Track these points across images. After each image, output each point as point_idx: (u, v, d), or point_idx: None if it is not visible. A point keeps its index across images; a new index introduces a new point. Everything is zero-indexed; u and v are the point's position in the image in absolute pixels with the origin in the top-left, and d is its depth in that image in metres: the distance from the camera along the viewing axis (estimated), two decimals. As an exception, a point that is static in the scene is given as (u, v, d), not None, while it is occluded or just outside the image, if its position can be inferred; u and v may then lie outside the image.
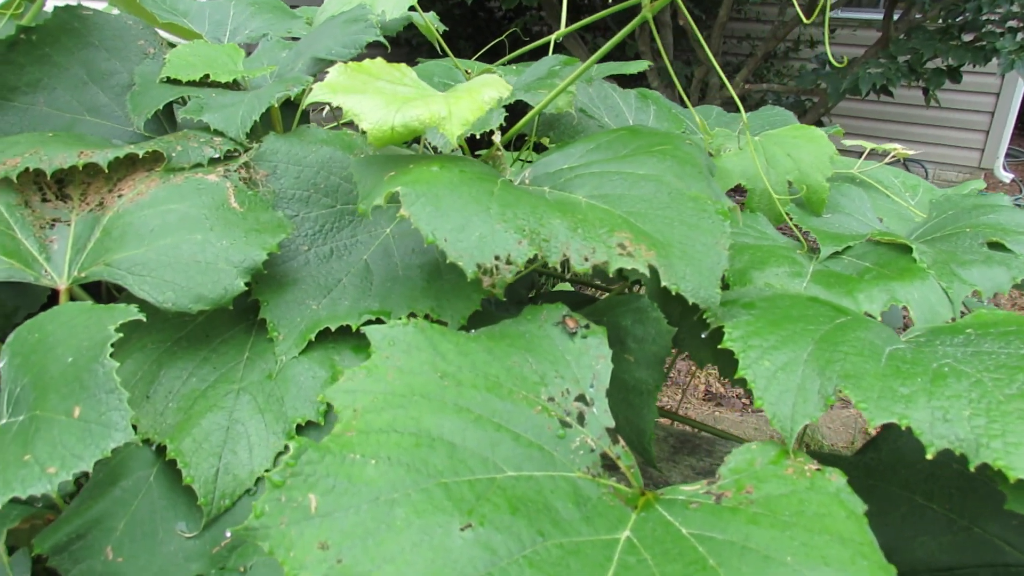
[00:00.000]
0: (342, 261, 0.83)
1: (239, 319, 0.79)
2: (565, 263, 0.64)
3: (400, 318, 0.76)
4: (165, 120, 0.99)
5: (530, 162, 1.05)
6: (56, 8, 0.96)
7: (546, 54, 1.18)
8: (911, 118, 5.30)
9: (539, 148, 1.13)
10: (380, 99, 0.72)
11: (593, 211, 0.71)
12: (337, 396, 0.55)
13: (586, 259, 0.64)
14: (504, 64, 1.18)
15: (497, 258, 0.63)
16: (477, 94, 0.73)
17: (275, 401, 0.71)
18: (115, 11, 1.10)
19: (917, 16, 4.14)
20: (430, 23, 1.26)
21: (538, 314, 0.68)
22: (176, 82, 0.96)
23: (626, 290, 1.17)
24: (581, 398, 0.62)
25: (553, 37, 1.13)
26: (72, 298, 0.74)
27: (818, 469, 0.57)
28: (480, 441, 0.54)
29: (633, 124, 1.08)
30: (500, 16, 5.75)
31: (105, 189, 0.80)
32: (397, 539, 0.47)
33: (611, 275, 0.64)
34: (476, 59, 1.31)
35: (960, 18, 3.96)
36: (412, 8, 1.16)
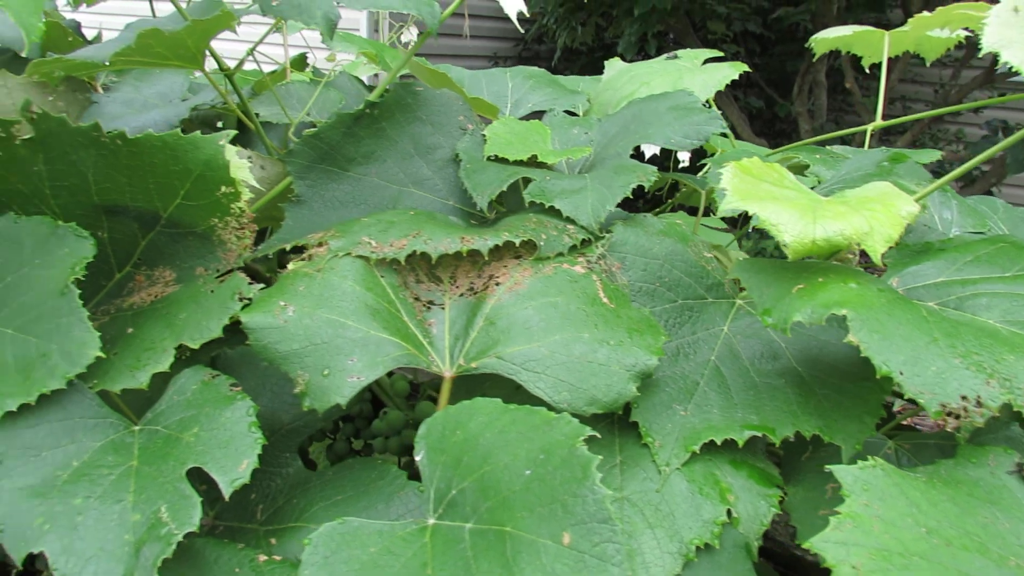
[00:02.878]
0: (690, 361, 0.80)
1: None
2: (1033, 409, 0.58)
3: (787, 436, 0.72)
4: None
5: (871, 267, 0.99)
6: (395, 83, 1.00)
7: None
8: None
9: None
10: (793, 209, 0.69)
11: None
12: (828, 548, 0.51)
13: (1056, 406, 0.58)
14: (804, 149, 1.13)
15: (964, 398, 0.58)
16: (893, 208, 0.69)
17: (665, 517, 0.67)
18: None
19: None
20: (713, 102, 1.25)
21: (984, 458, 0.62)
22: (503, 161, 0.97)
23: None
24: (1068, 568, 0.55)
25: (869, 128, 1.08)
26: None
27: None
28: (997, 619, 0.49)
29: (1007, 233, 1.01)
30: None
31: (473, 273, 0.80)
32: None
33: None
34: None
35: None
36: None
